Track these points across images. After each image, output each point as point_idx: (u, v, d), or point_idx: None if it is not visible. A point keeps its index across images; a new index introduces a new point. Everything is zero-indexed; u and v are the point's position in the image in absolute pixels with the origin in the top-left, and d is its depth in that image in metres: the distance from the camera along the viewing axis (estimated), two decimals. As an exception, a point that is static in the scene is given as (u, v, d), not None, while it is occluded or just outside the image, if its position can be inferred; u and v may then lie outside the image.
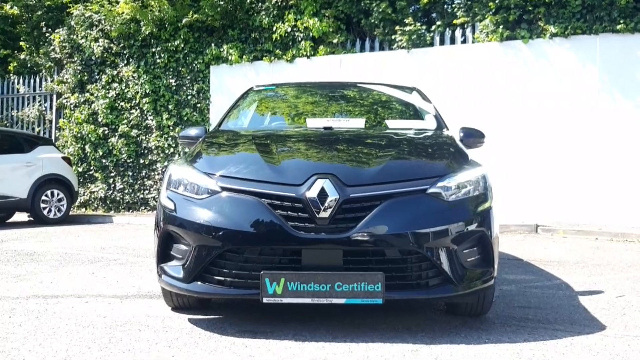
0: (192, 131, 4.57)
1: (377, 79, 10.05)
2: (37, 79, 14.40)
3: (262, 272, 3.11)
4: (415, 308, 3.90)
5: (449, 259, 3.21)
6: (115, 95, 12.82)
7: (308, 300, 3.11)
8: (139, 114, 12.62)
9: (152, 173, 12.57)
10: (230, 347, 3.05)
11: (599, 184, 9.06)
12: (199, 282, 3.27)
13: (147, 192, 12.65)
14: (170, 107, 12.25)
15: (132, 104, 12.72)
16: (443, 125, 4.43)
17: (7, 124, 14.87)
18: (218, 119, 11.42)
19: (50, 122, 14.23)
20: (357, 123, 4.45)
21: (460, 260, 3.27)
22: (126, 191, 12.82)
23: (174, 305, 3.78)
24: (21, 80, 14.67)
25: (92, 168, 13.20)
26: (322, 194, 3.15)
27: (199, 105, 12.07)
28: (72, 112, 13.43)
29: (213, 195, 3.31)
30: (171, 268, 3.39)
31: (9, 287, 4.68)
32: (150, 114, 12.47)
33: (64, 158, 12.32)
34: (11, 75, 15.03)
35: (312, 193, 3.15)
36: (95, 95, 13.03)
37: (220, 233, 3.20)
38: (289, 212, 3.15)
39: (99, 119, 12.97)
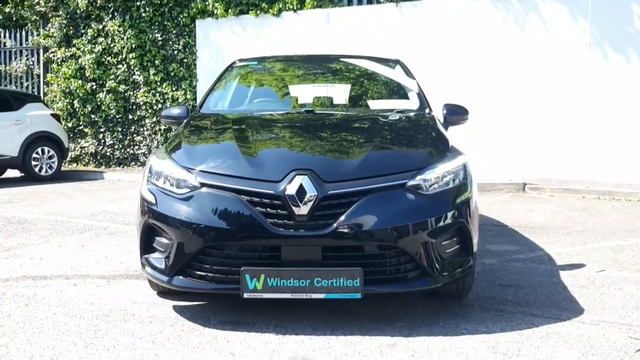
0: (175, 111, 4.55)
1: (365, 35, 9.93)
2: (24, 33, 14.14)
3: (242, 268, 3.15)
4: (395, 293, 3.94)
5: (427, 252, 3.25)
6: (101, 50, 12.64)
7: (288, 296, 3.16)
8: (126, 69, 12.48)
9: (141, 129, 12.52)
10: (212, 343, 3.12)
11: (588, 140, 9.08)
12: (181, 277, 3.31)
13: (136, 147, 12.63)
14: (157, 62, 12.10)
15: (119, 59, 12.56)
16: (425, 105, 4.41)
17: (-6, 78, 14.68)
18: (204, 74, 11.38)
19: (38, 76, 14.06)
20: (342, 90, 4.43)
21: (439, 252, 3.31)
22: (116, 147, 12.80)
23: (159, 290, 3.84)
24: (7, 34, 14.40)
25: (81, 123, 13.14)
26: (301, 190, 3.16)
27: (185, 60, 11.93)
28: (60, 67, 13.26)
29: (193, 191, 3.32)
30: (154, 260, 3.43)
31: (0, 264, 4.74)
32: (137, 69, 12.33)
33: (53, 115, 12.25)
34: (-4, 28, 14.76)
35: (291, 190, 3.16)
36: (81, 50, 12.85)
37: (201, 229, 3.23)
38: (267, 209, 3.17)
39: (87, 74, 12.83)
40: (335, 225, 3.13)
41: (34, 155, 11.69)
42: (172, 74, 12.00)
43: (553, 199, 8.27)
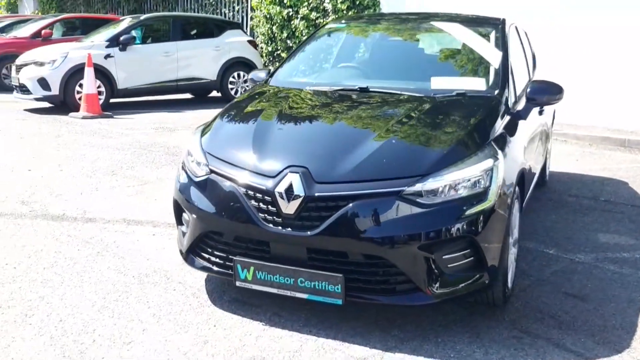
0: (261, 74, 4.65)
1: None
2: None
3: (235, 258, 3.23)
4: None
5: (420, 266, 3.02)
6: (297, -23, 12.91)
7: (274, 291, 3.19)
8: (320, -3, 12.62)
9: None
10: (201, 324, 3.27)
11: None
12: (192, 255, 3.49)
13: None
14: (343, 7, 12.07)
15: (311, -14, 12.73)
16: (499, 84, 3.92)
17: (212, 1, 15.84)
18: (387, 2, 11.10)
19: (247, 1, 14.85)
20: (412, 65, 4.22)
21: (439, 267, 3.06)
22: (308, 73, 13.21)
23: None
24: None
25: (279, 48, 13.72)
26: (290, 189, 3.10)
27: (370, -13, 11.74)
28: (263, -8, 13.84)
29: (205, 177, 3.42)
30: (181, 232, 3.64)
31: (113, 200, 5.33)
32: (327, -4, 12.42)
33: (250, 41, 12.98)
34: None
35: (281, 188, 3.11)
36: (280, -24, 13.24)
37: (205, 214, 3.35)
38: (260, 204, 3.17)
39: (284, 1, 13.23)
40: (319, 228, 3.04)
41: (230, 79, 12.59)
42: (358, 2, 11.90)
43: None
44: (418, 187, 3.04)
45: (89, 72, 10.37)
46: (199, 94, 13.16)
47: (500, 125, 3.58)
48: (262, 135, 3.49)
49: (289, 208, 3.08)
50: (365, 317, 3.38)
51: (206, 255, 3.43)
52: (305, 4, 12.83)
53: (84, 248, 4.33)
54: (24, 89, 11.02)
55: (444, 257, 3.06)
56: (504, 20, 4.69)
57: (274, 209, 3.12)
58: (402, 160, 3.19)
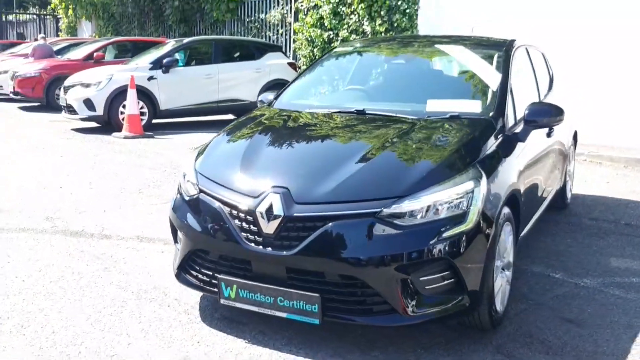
0: (270, 96, 4.77)
1: None
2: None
3: (219, 276, 3.31)
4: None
5: (395, 287, 3.03)
6: (337, 1, 13.07)
7: (255, 309, 3.25)
8: (357, 20, 12.75)
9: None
10: (186, 341, 3.36)
11: None
12: (182, 273, 3.59)
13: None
14: (382, 12, 12.15)
15: (351, 10, 12.87)
16: (494, 107, 3.90)
17: (257, 25, 16.16)
18: (425, 26, 11.12)
19: (290, 24, 15.11)
20: (411, 89, 4.24)
21: (417, 288, 3.07)
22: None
23: None
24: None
25: (320, 70, 13.86)
26: (270, 209, 3.16)
27: (408, 10, 11.76)
28: (305, 16, 14.06)
29: (195, 196, 3.52)
30: (176, 249, 3.74)
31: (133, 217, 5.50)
32: (365, 19, 12.52)
33: (290, 64, 13.17)
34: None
35: (262, 208, 3.18)
36: (322, 0, 13.43)
37: (192, 233, 3.45)
38: (243, 224, 3.24)
39: (325, 24, 13.42)
40: (297, 249, 3.08)
41: (270, 100, 12.76)
42: (395, 24, 11.96)
43: None
44: (394, 208, 3.06)
45: (131, 94, 10.73)
46: (239, 114, 13.38)
47: (490, 147, 3.56)
48: (251, 156, 3.57)
49: (269, 228, 3.15)
50: (348, 337, 3.39)
51: (194, 273, 3.52)
52: (345, 27, 12.98)
53: (93, 263, 4.49)
54: (71, 109, 11.47)
55: (421, 278, 3.06)
56: (510, 42, 4.67)
57: (255, 228, 3.19)
58: (381, 182, 3.21)
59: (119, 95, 11.15)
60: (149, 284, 4.12)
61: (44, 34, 17.07)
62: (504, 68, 4.23)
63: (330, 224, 3.07)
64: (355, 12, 12.75)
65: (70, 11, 24.06)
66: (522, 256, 4.74)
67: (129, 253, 4.73)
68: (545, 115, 4.00)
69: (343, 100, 4.47)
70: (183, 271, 3.59)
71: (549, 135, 4.65)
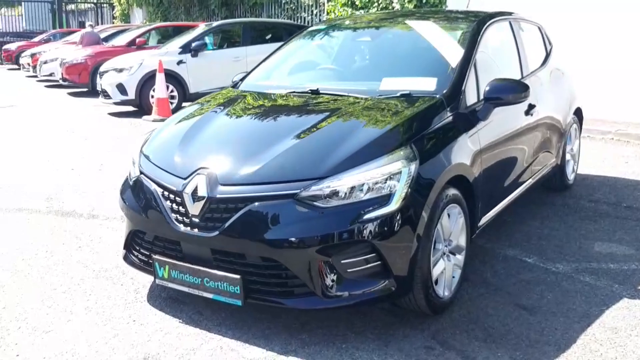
0: (239, 77, 4.75)
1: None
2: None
3: (154, 256, 3.35)
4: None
5: (314, 270, 2.98)
6: (368, -21, 12.89)
7: (186, 290, 3.26)
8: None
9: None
10: (130, 325, 3.42)
11: None
12: (127, 252, 3.64)
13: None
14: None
15: (381, -12, 12.66)
16: (449, 85, 3.75)
17: (292, 7, 16.12)
18: (453, 5, 10.83)
19: (323, 4, 15.00)
20: (372, 66, 4.18)
21: (338, 271, 3.01)
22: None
23: None
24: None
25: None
26: (196, 191, 3.16)
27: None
28: (337, -4, 13.93)
29: (135, 178, 3.57)
30: None
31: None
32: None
33: (321, 44, 13.02)
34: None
35: (189, 189, 3.19)
36: (353, -22, 13.28)
37: (131, 214, 3.50)
38: (173, 205, 3.26)
39: (356, 3, 13.25)
40: (220, 230, 3.08)
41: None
42: (424, 1, 11.69)
43: None
44: (314, 190, 3.00)
45: (159, 78, 10.91)
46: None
47: (433, 126, 3.45)
48: (189, 137, 3.58)
49: (194, 209, 3.15)
50: (281, 320, 3.36)
51: (135, 254, 3.57)
52: (376, 4, 12.77)
53: (69, 242, 4.62)
54: (105, 94, 11.79)
55: (342, 261, 3.00)
56: (485, 17, 4.48)
57: (183, 209, 3.20)
58: (304, 163, 3.16)
59: (149, 80, 11.37)
60: (112, 263, 4.19)
61: (92, 22, 17.54)
62: (469, 44, 4.07)
63: (250, 205, 3.05)
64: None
65: (122, -1, 24.64)
66: (500, 239, 4.60)
67: (107, 232, 4.83)
68: (507, 92, 3.83)
69: (302, 80, 4.40)
70: (128, 251, 3.63)
71: (528, 113, 4.46)
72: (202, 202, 3.13)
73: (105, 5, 29.32)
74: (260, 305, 3.16)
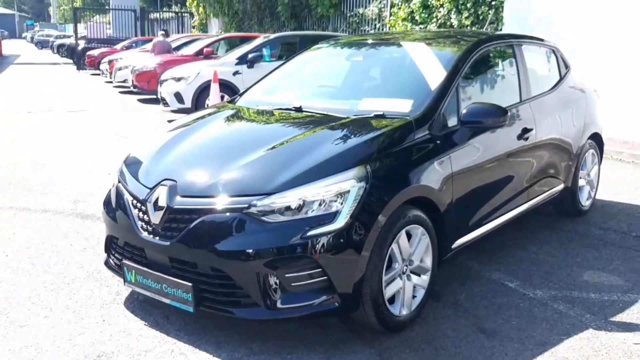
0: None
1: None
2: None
3: (124, 261, 3.57)
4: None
5: (258, 282, 3.11)
6: (427, -6, 12.90)
7: (149, 294, 3.46)
8: (445, 13, 12.49)
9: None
10: (97, 326, 3.65)
11: None
12: (107, 256, 3.88)
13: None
14: (468, 5, 11.81)
15: (440, 3, 12.63)
16: (424, 106, 3.79)
17: (357, 20, 16.28)
18: (510, 17, 10.70)
19: (386, 18, 15.09)
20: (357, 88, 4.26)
21: (283, 284, 3.13)
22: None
23: None
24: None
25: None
26: (157, 201, 3.36)
27: (494, 3, 11.36)
28: (398, 10, 13.98)
29: (115, 186, 3.82)
30: None
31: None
32: (452, 12, 12.24)
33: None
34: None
35: (152, 199, 3.40)
36: (413, -7, 13.32)
37: (108, 221, 3.75)
38: (139, 213, 3.47)
39: (415, 17, 13.27)
40: (175, 239, 3.26)
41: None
42: (481, 17, 11.59)
43: None
44: (262, 205, 3.13)
45: (214, 87, 11.28)
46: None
47: (396, 148, 3.50)
48: (165, 149, 3.79)
49: (155, 218, 3.35)
50: (238, 328, 3.50)
51: (112, 258, 3.80)
52: (434, 20, 12.75)
53: (77, 244, 4.92)
54: (164, 102, 12.30)
55: (286, 275, 3.11)
56: (480, 40, 4.46)
57: (147, 218, 3.41)
58: (256, 178, 3.29)
59: (205, 89, 11.76)
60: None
61: (165, 31, 18.24)
62: (453, 67, 4.08)
63: (204, 217, 3.21)
64: (443, 6, 12.48)
65: (200, 9, 25.51)
66: (491, 262, 4.58)
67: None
68: (484, 115, 3.83)
69: (292, 97, 4.51)
70: (108, 256, 3.87)
71: (521, 137, 4.42)
72: (162, 211, 3.32)
73: (186, 14, 30.43)
74: (206, 314, 3.30)
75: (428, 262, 3.65)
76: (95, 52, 25.67)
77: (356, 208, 3.15)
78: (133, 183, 3.62)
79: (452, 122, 3.89)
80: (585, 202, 5.66)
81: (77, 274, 4.31)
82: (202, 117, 4.31)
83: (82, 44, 28.94)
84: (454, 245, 3.92)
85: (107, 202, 3.85)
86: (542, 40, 5.38)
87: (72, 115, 12.81)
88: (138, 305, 3.83)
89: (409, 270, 3.53)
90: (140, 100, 16.25)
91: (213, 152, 3.71)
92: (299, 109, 4.11)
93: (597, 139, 5.73)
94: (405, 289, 3.51)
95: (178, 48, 18.31)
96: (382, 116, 3.78)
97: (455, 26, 12.22)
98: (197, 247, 3.21)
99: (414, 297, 3.61)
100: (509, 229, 5.13)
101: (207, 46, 16.18)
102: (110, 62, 20.83)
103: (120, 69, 18.13)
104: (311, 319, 3.48)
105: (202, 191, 3.30)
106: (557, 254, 4.79)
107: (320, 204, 3.13)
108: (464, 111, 3.85)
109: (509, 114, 3.89)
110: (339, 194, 3.15)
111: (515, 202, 4.52)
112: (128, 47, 24.30)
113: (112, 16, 33.32)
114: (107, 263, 3.86)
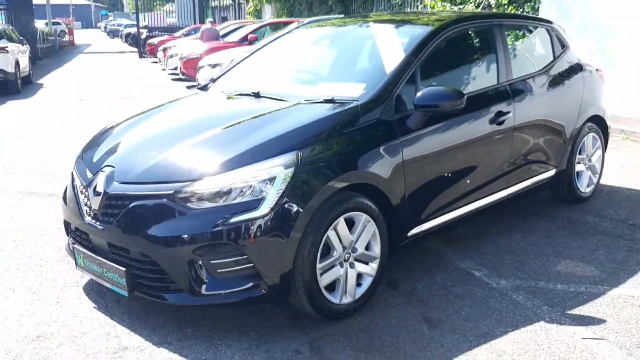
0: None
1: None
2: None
3: (74, 245, 3.67)
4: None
5: (183, 268, 3.13)
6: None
7: (94, 278, 3.54)
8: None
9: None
10: (59, 314, 3.77)
11: None
12: (68, 240, 3.99)
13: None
14: (504, 2, 11.47)
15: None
16: (375, 91, 3.70)
17: (399, 2, 16.02)
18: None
19: (421, 2, 14.81)
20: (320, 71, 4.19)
21: (209, 270, 3.15)
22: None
23: None
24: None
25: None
26: (96, 186, 3.44)
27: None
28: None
29: (71, 172, 3.92)
30: None
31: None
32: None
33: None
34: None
35: (93, 185, 3.47)
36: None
37: (63, 206, 3.87)
38: (84, 199, 3.56)
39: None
40: (111, 224, 3.33)
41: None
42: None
43: None
44: (187, 190, 3.15)
45: (245, 73, 11.40)
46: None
47: (335, 133, 3.44)
48: (116, 136, 3.87)
49: (95, 203, 3.43)
50: (182, 313, 3.55)
51: (68, 242, 3.90)
52: (472, 0, 12.41)
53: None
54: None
55: (212, 261, 3.13)
56: (446, 23, 4.29)
57: (90, 203, 3.48)
58: (186, 164, 3.31)
59: (239, 75, 11.87)
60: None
61: (212, 18, 18.52)
62: (412, 50, 3.95)
63: (135, 202, 3.26)
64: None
65: (255, -5, 25.70)
66: (466, 250, 4.47)
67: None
68: (438, 99, 3.69)
69: (255, 83, 4.49)
70: (69, 241, 3.99)
71: (494, 121, 4.26)
72: (99, 197, 3.39)
73: (243, 1, 30.71)
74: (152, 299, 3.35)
75: (376, 250, 3.58)
76: (155, 41, 26.26)
77: (283, 194, 3.12)
78: (82, 169, 3.72)
79: (410, 107, 3.79)
80: (585, 189, 5.40)
81: (52, 257, 4.45)
82: (162, 104, 4.35)
83: (144, 32, 29.67)
84: (410, 233, 3.82)
85: (65, 188, 3.95)
86: (536, 19, 5.14)
87: (119, 102, 13.16)
88: (96, 288, 3.92)
89: (352, 258, 3.48)
90: (189, 87, 16.54)
91: (155, 138, 3.74)
92: (257, 94, 4.09)
93: (599, 122, 5.45)
94: (348, 277, 3.46)
95: (225, 35, 18.53)
96: (331, 101, 3.72)
97: (493, 6, 11.85)
98: (129, 233, 3.26)
99: (359, 285, 3.55)
100: (498, 216, 4.99)
101: (252, 32, 16.30)
102: (164, 50, 21.28)
103: (172, 56, 18.49)
104: (241, 306, 3.48)
105: (137, 177, 3.35)
106: (539, 242, 4.61)
107: (247, 190, 3.11)
108: (417, 95, 3.73)
109: (465, 97, 3.74)
110: (266, 180, 3.13)
111: (490, 188, 4.37)
112: (187, 35, 24.75)
113: (176, 4, 33.97)
114: (67, 247, 3.97)
